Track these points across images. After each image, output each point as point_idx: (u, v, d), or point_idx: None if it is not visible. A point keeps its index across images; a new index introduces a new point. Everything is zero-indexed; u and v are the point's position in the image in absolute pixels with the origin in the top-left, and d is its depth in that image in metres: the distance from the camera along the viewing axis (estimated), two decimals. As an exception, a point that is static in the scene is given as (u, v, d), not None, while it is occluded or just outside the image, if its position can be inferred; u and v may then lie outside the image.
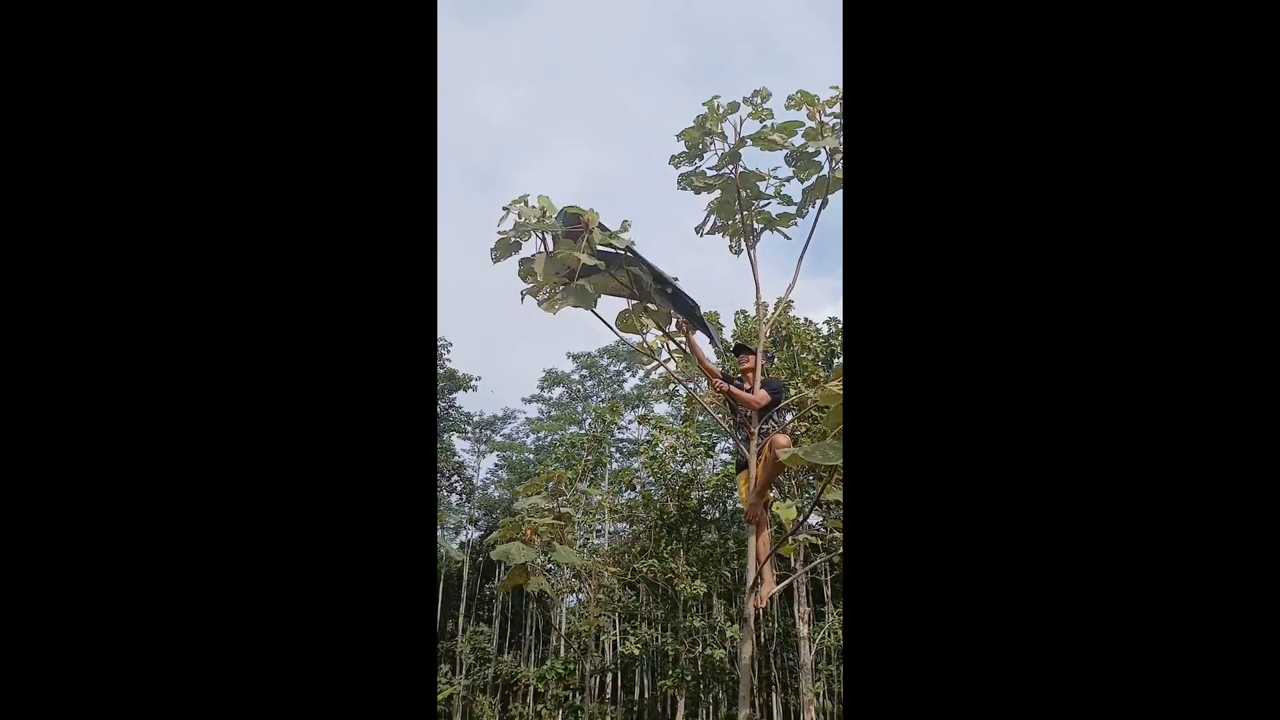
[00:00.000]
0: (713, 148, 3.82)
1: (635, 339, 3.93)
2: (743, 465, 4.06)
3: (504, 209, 3.06)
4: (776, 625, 15.55)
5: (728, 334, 15.12)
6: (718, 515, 16.48)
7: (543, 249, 3.08)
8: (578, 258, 2.94)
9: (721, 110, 3.68)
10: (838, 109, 3.58)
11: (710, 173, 3.87)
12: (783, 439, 3.71)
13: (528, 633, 25.05)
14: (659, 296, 3.69)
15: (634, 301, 3.61)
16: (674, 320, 3.93)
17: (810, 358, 14.25)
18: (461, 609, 25.13)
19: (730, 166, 3.80)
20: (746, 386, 3.97)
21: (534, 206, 3.06)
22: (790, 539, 4.72)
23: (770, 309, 9.21)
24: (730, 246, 4.24)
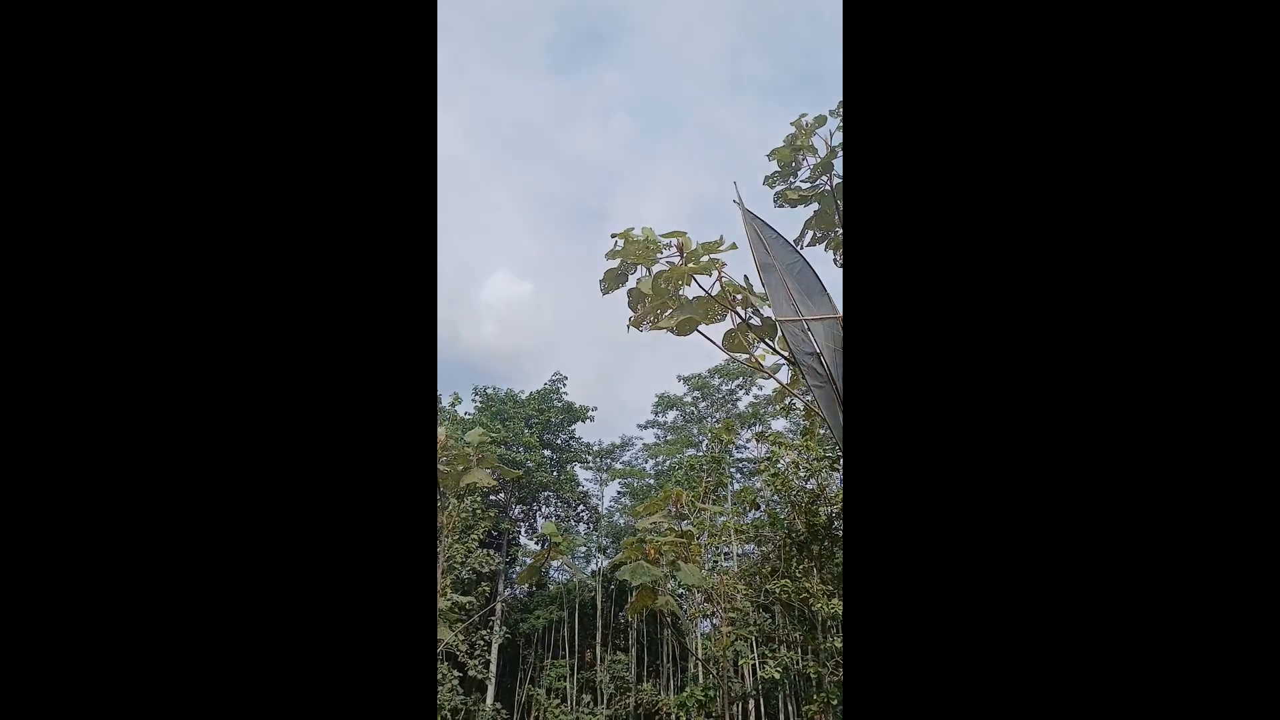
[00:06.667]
0: (805, 163, 3.86)
1: (743, 355, 3.95)
2: None
3: (612, 236, 3.22)
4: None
5: (841, 342, 14.73)
6: (848, 531, 15.86)
7: (645, 274, 3.20)
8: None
9: (808, 125, 3.73)
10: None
11: (805, 186, 3.91)
12: None
13: (664, 660, 25.03)
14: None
15: (738, 321, 3.65)
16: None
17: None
18: (598, 638, 25.53)
19: (824, 178, 3.83)
20: None
21: (639, 236, 3.20)
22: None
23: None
24: (835, 260, 4.23)
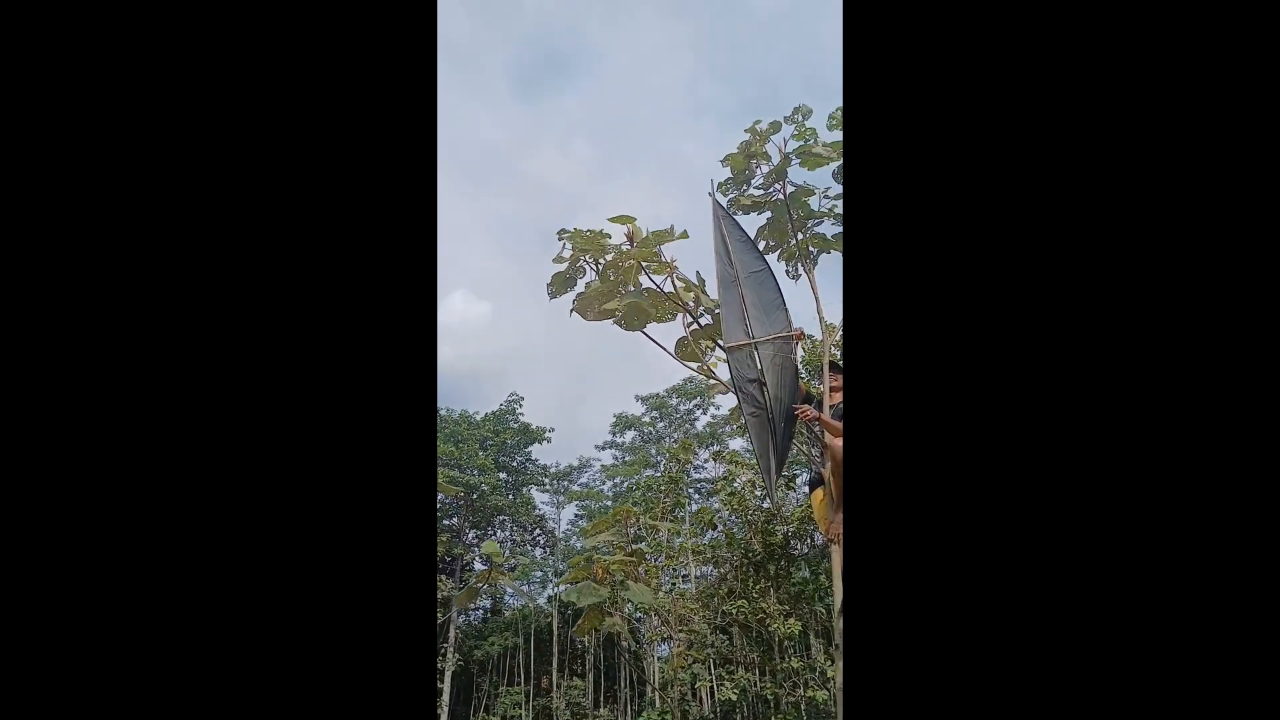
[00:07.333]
0: (759, 170, 3.82)
1: (695, 365, 3.88)
2: (817, 483, 3.92)
3: (559, 233, 3.09)
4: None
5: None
6: (806, 550, 15.92)
7: (595, 279, 3.10)
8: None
9: (764, 131, 3.70)
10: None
11: (758, 193, 3.87)
12: (840, 442, 3.54)
13: (622, 685, 24.62)
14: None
15: (692, 326, 3.56)
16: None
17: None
18: (554, 664, 24.98)
19: (778, 185, 3.79)
20: (831, 405, 3.82)
21: (588, 234, 3.09)
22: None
23: (839, 331, 9.02)
24: (787, 271, 4.19)
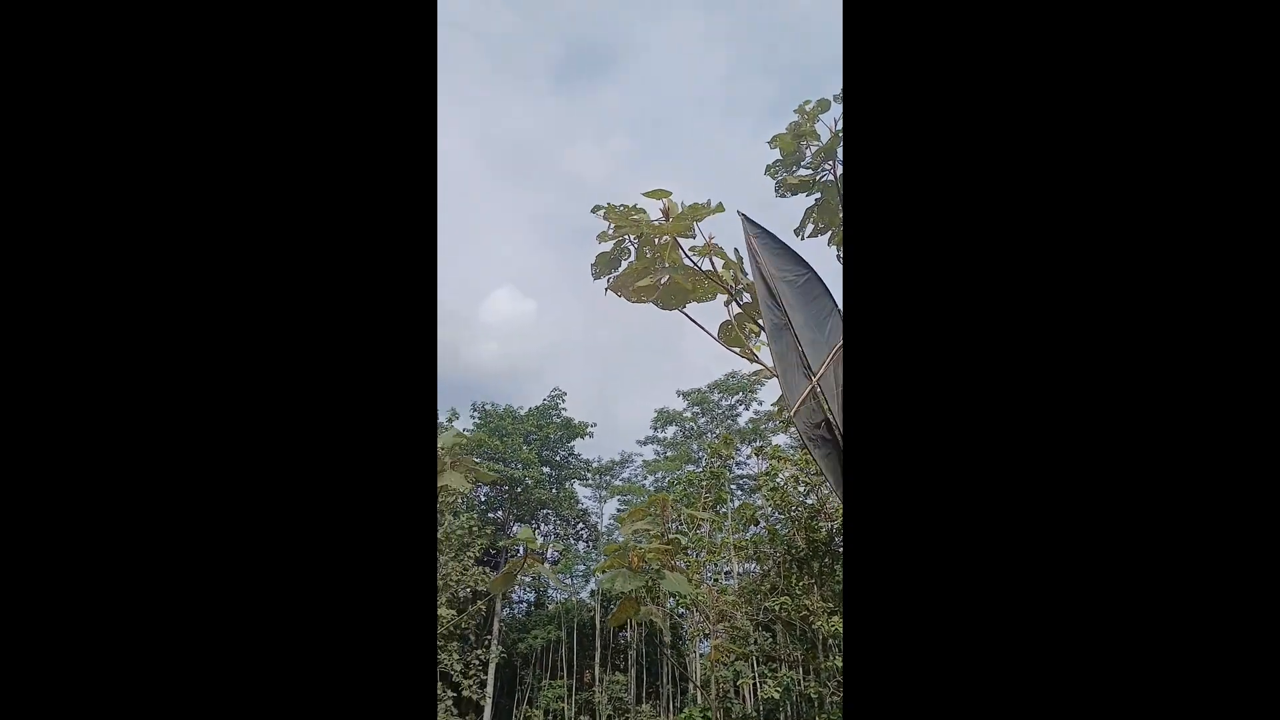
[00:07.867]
0: (808, 150, 3.72)
1: (738, 349, 3.78)
2: None
3: (594, 208, 3.01)
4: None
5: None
6: (850, 547, 15.62)
7: (632, 256, 3.04)
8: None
9: (812, 110, 3.60)
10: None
11: (807, 172, 3.76)
12: None
13: (664, 681, 24.62)
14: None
15: (736, 311, 3.46)
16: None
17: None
18: (597, 658, 25.12)
19: (827, 164, 3.68)
20: None
21: (622, 209, 3.02)
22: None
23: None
24: (837, 255, 4.07)
